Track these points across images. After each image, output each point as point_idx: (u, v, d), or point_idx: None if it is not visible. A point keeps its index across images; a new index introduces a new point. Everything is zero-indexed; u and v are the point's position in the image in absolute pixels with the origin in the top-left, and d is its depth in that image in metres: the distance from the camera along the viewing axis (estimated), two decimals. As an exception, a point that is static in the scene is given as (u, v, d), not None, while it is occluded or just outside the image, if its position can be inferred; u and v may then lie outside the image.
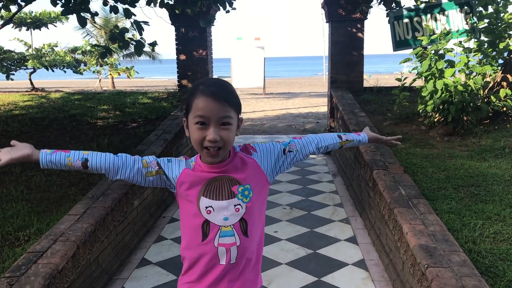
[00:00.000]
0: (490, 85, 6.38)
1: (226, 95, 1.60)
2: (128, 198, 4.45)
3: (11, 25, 17.90)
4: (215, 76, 9.93)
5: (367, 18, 8.56)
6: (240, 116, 1.70)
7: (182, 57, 8.93)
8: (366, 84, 9.33)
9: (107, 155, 1.80)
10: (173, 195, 5.86)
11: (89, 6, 5.24)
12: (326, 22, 9.04)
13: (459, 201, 3.84)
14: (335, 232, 4.82)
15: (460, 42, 6.32)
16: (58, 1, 5.45)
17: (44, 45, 18.50)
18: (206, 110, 1.57)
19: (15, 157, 1.65)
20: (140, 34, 5.65)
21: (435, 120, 6.14)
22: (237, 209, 1.69)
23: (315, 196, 6.04)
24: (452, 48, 6.09)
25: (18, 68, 17.62)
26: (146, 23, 5.64)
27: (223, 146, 1.61)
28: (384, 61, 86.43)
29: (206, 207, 1.68)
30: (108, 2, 5.57)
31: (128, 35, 6.23)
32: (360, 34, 8.66)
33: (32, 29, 18.53)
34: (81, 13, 5.12)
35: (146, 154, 5.19)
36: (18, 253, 3.23)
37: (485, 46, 6.26)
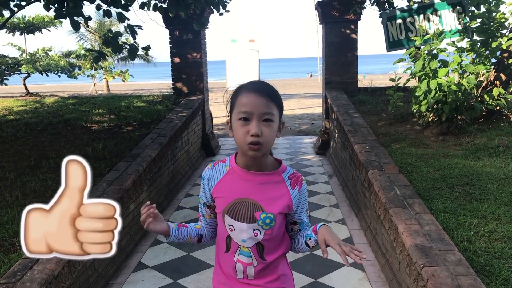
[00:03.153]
0: (484, 84, 6.41)
1: (269, 92, 1.62)
2: (124, 202, 4.44)
3: (5, 30, 17.84)
4: (210, 79, 9.92)
5: (360, 19, 8.59)
6: (281, 119, 1.70)
7: (177, 60, 8.92)
8: (360, 84, 9.35)
9: (203, 228, 1.91)
10: (169, 198, 5.83)
11: (82, 10, 5.22)
12: (320, 23, 9.06)
13: (454, 200, 3.86)
14: (332, 233, 4.82)
15: (453, 41, 6.35)
16: (51, 6, 5.43)
17: (38, 49, 18.43)
18: (249, 105, 1.58)
19: (157, 230, 1.74)
20: (134, 38, 5.64)
21: (429, 119, 6.17)
22: (255, 234, 1.71)
23: (311, 197, 6.05)
24: (445, 48, 6.12)
25: (12, 73, 17.53)
26: (139, 27, 5.63)
27: (264, 142, 1.59)
28: (379, 62, 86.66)
29: (229, 225, 1.73)
30: (101, 6, 5.55)
31: (122, 39, 6.22)
32: (353, 35, 8.69)
33: (25, 33, 18.48)
34: (74, 17, 5.10)
35: (141, 157, 5.21)
36: (13, 259, 3.22)
37: (478, 46, 6.29)
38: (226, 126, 1.74)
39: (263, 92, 1.60)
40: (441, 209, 3.68)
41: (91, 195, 4.07)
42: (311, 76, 50.07)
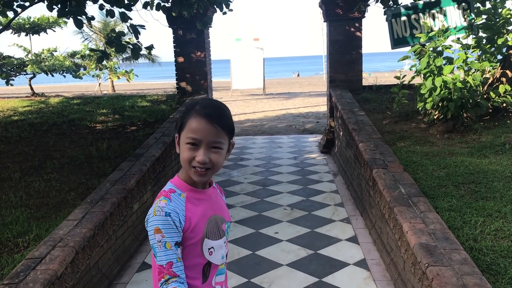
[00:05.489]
0: (489, 81, 6.36)
1: (220, 119, 1.58)
2: (128, 202, 4.43)
3: (10, 30, 17.90)
4: (214, 78, 9.91)
5: (364, 17, 8.54)
6: (232, 141, 1.67)
7: (180, 59, 8.91)
8: (365, 82, 9.31)
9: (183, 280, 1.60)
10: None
11: (85, 9, 5.22)
12: (324, 21, 9.01)
13: (459, 198, 3.82)
14: (336, 232, 4.80)
15: (458, 38, 6.30)
16: (54, 6, 5.44)
17: (43, 50, 18.48)
18: (198, 132, 1.55)
19: None
20: (137, 38, 5.63)
21: (435, 117, 6.12)
22: (226, 246, 1.74)
23: (316, 196, 6.02)
24: (450, 45, 6.07)
25: (17, 74, 17.59)
26: (142, 26, 5.62)
27: (212, 167, 1.60)
28: (384, 59, 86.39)
29: (209, 249, 1.65)
30: (104, 6, 5.55)
31: (125, 39, 6.22)
32: (358, 33, 8.64)
33: (31, 34, 18.52)
34: (77, 16, 5.10)
35: (145, 157, 5.21)
36: (17, 259, 3.22)
37: (484, 42, 6.24)
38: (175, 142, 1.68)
39: (214, 120, 1.56)
40: (446, 207, 3.65)
41: (94, 196, 4.03)
42: (298, 75, 50.03)
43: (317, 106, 16.24)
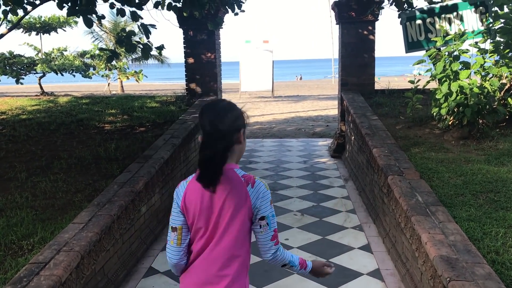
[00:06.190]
0: (507, 86, 6.19)
1: None
2: (135, 205, 4.33)
3: (21, 30, 17.96)
4: (223, 80, 9.81)
5: (378, 20, 8.41)
6: None
7: (190, 60, 8.83)
8: (376, 86, 9.16)
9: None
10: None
11: (95, 8, 5.14)
12: (336, 24, 8.90)
13: (478, 208, 3.67)
14: (348, 240, 4.67)
15: (476, 43, 6.14)
16: (64, 4, 5.37)
17: (53, 49, 18.52)
18: None
19: None
20: (147, 37, 5.54)
21: (450, 123, 5.97)
22: None
23: (327, 201, 5.89)
24: (467, 49, 5.91)
25: (27, 73, 17.64)
26: (153, 26, 5.53)
27: None
28: (393, 64, 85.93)
29: None
30: (115, 4, 5.47)
31: (135, 39, 6.13)
32: (371, 36, 8.51)
33: (41, 33, 18.58)
34: (87, 15, 5.03)
35: (154, 159, 5.11)
36: (20, 263, 3.12)
37: (502, 47, 6.07)
38: (242, 136, 1.97)
39: None
40: (465, 217, 3.50)
41: (101, 198, 3.89)
42: (300, 78, 50.29)
43: (326, 110, 16.10)
